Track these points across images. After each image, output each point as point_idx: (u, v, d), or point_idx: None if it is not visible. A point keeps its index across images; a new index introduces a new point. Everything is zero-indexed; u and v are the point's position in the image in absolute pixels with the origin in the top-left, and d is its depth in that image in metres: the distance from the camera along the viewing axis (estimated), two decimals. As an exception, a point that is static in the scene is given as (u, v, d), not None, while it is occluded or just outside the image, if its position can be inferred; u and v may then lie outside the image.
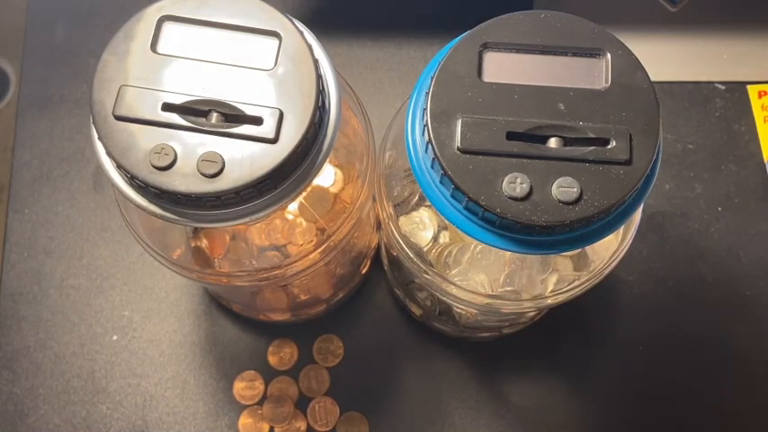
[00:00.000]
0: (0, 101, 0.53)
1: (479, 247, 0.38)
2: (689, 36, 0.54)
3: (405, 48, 0.54)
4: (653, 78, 0.28)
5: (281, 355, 0.47)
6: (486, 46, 0.28)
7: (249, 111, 0.27)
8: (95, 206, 0.50)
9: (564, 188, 0.26)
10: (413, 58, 0.54)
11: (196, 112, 0.27)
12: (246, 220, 0.29)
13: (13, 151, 0.52)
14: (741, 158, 0.51)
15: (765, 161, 0.51)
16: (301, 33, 0.29)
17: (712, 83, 0.53)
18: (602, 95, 0.27)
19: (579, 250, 0.37)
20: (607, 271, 0.35)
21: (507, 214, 0.26)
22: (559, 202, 0.26)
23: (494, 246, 0.28)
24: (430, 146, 0.27)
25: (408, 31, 0.54)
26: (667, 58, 0.54)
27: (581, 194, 0.26)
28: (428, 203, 0.38)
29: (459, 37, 0.28)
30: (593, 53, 0.28)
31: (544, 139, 0.27)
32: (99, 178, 0.51)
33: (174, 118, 0.27)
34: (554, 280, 0.37)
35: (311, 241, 0.39)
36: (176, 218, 0.28)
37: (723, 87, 0.53)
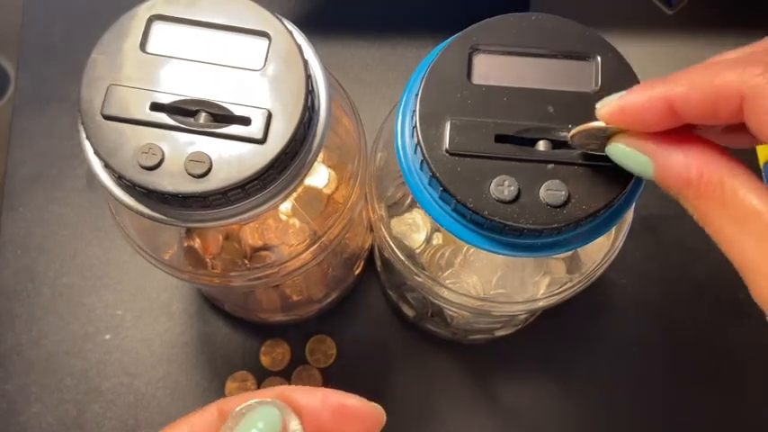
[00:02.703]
0: (3, 98, 0.53)
1: (472, 249, 0.38)
2: (685, 39, 0.54)
3: (400, 49, 0.54)
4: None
5: (274, 355, 0.47)
6: (475, 48, 0.28)
7: (237, 111, 0.27)
8: (89, 205, 0.50)
9: (552, 191, 0.26)
10: (408, 58, 0.54)
11: (184, 112, 0.27)
12: (235, 220, 0.29)
13: (8, 149, 0.52)
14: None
15: (761, 166, 0.51)
16: (291, 34, 0.29)
17: (708, 86, 0.53)
18: (592, 98, 0.27)
19: (571, 252, 0.37)
20: (599, 272, 0.35)
21: (495, 217, 0.26)
22: (547, 205, 0.26)
23: (482, 248, 0.28)
24: (419, 147, 0.27)
25: (404, 32, 0.54)
26: (664, 61, 0.54)
27: (569, 198, 0.26)
28: (421, 205, 0.38)
29: (449, 39, 0.28)
30: (583, 56, 0.28)
31: (533, 142, 0.27)
32: (93, 177, 0.51)
33: (163, 117, 0.27)
34: (546, 282, 0.37)
35: (305, 242, 0.39)
36: (164, 218, 0.28)
37: (719, 90, 0.53)
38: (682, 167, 0.22)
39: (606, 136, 0.25)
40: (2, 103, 0.53)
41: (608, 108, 0.24)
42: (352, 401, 0.23)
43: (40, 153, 0.51)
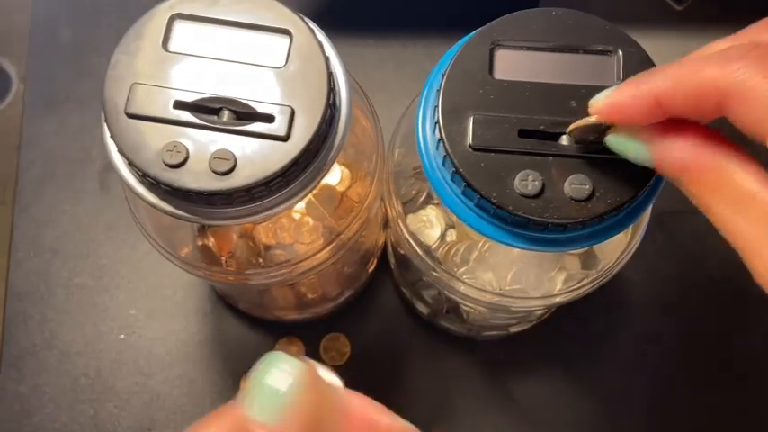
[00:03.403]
0: (5, 100, 0.53)
1: (487, 245, 0.38)
2: (694, 35, 0.54)
3: (410, 47, 0.54)
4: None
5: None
6: (497, 43, 0.28)
7: (260, 108, 0.27)
8: (101, 205, 0.50)
9: (576, 185, 0.26)
10: (418, 56, 0.54)
11: (207, 110, 0.27)
12: (257, 217, 0.29)
13: (18, 150, 0.52)
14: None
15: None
16: (312, 31, 0.29)
17: (718, 81, 0.53)
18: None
19: (587, 249, 0.37)
20: (616, 269, 0.35)
21: (519, 212, 0.26)
22: (571, 199, 0.26)
23: (505, 243, 0.28)
24: (441, 143, 0.27)
25: (413, 30, 0.54)
26: (672, 57, 0.53)
27: (593, 192, 0.26)
28: (435, 202, 0.38)
29: (471, 34, 0.28)
30: (605, 51, 0.28)
31: (556, 137, 0.27)
32: (105, 177, 0.51)
33: (186, 116, 0.27)
34: (562, 278, 0.37)
35: (319, 240, 0.39)
36: (187, 215, 0.28)
37: (728, 86, 0.53)
38: (677, 154, 0.23)
39: (604, 128, 0.25)
40: (9, 104, 0.53)
41: (598, 105, 0.24)
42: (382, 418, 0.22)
43: (50, 154, 0.52)
